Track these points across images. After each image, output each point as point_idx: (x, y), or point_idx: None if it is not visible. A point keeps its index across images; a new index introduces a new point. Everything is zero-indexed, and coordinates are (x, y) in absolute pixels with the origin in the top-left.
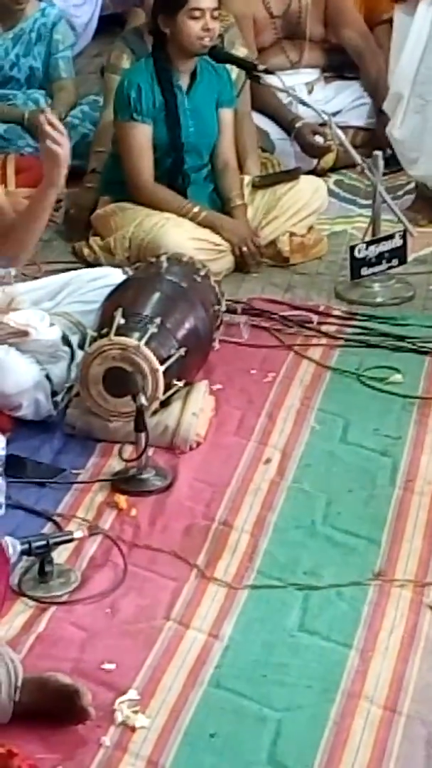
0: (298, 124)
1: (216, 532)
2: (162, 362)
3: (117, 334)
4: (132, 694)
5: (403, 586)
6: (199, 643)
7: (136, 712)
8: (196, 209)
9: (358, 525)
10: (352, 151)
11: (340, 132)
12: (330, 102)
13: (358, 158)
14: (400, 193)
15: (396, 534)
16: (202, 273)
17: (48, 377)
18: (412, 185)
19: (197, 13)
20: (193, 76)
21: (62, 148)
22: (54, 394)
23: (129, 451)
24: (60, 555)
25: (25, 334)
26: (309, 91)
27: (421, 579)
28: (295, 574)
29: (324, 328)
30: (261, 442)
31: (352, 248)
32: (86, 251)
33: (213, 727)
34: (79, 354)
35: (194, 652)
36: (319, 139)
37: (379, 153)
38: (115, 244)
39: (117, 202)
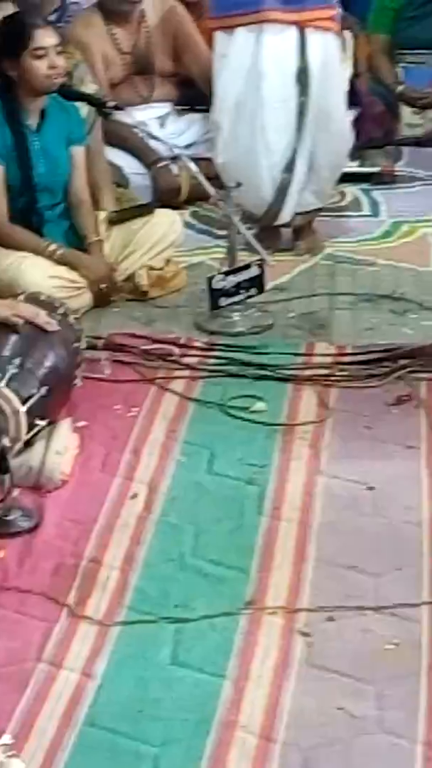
0: (159, 165)
1: (85, 570)
2: (24, 402)
3: None
4: (6, 738)
5: (273, 614)
6: (72, 683)
7: (11, 756)
8: (52, 247)
9: (227, 555)
10: (206, 184)
11: (192, 165)
12: (183, 135)
13: (211, 190)
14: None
15: (265, 562)
16: (61, 311)
17: None
18: None
19: (41, 52)
20: (42, 114)
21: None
22: None
23: None
24: None
25: None
26: (161, 124)
27: (291, 605)
28: (166, 608)
29: (186, 360)
30: (127, 478)
31: (209, 279)
32: None
33: (90, 767)
34: None
35: (68, 692)
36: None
37: (231, 184)
38: None
39: None
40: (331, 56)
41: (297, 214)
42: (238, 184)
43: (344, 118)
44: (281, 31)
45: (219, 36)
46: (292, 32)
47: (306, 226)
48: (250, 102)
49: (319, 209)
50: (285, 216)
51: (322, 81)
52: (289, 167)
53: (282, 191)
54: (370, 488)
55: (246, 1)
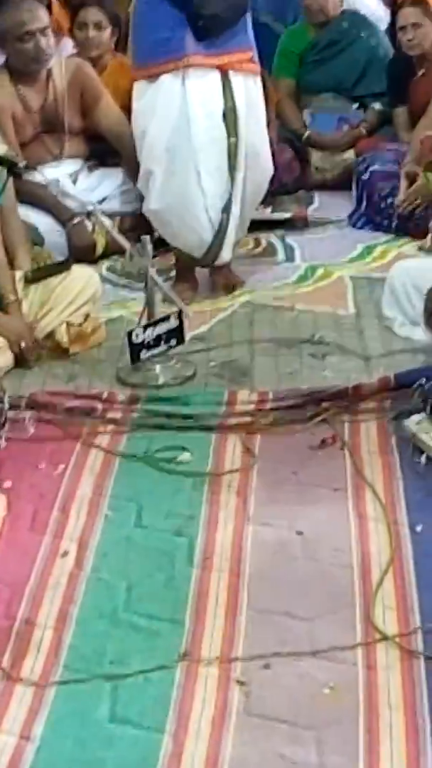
0: (73, 222)
1: (19, 631)
2: None
3: None
4: None
5: (209, 665)
6: (10, 747)
7: None
8: None
9: (160, 608)
10: (120, 238)
11: (106, 220)
12: (95, 190)
13: (126, 245)
14: (172, 273)
15: (198, 613)
16: None
17: None
18: None
19: None
20: None
21: None
22: None
23: None
24: None
25: None
26: (73, 181)
27: (227, 655)
28: (101, 665)
29: (109, 415)
30: (56, 536)
31: (129, 333)
32: None
33: None
34: None
35: (6, 756)
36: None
37: (146, 237)
38: None
39: None
40: (254, 96)
41: None
42: (154, 237)
43: (268, 152)
44: (204, 75)
45: (142, 85)
46: (215, 75)
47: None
48: (181, 147)
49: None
50: (225, 255)
51: (249, 120)
52: (226, 207)
53: (221, 231)
54: (299, 533)
55: (169, 49)
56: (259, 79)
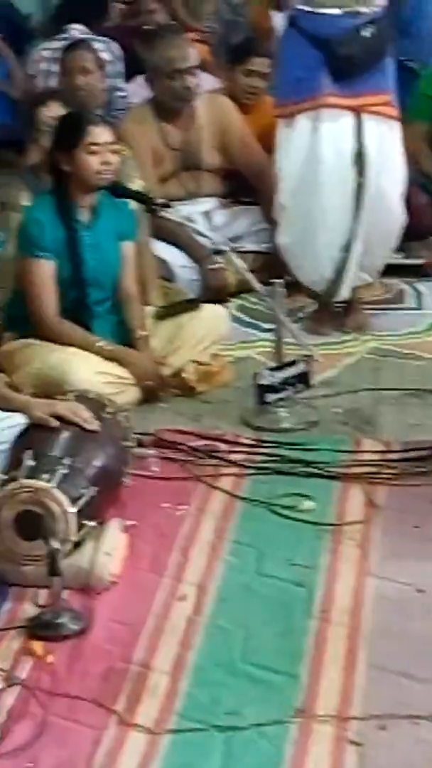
0: (209, 263)
1: (134, 675)
2: (73, 503)
3: (26, 476)
4: None
5: (325, 722)
6: None
7: None
8: (100, 343)
9: (277, 660)
10: (251, 279)
11: (239, 261)
12: (228, 227)
13: (257, 286)
14: (301, 315)
15: (315, 667)
16: (110, 410)
17: None
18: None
19: (95, 148)
20: (94, 209)
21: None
22: None
23: (43, 596)
24: None
25: None
26: (208, 218)
27: (343, 713)
28: (216, 715)
29: (233, 456)
30: (176, 578)
31: (255, 375)
32: None
33: None
34: None
35: None
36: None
37: (278, 281)
38: (20, 380)
39: (22, 338)
40: (388, 140)
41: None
42: (286, 281)
43: (398, 199)
44: (338, 117)
45: (281, 123)
46: (348, 119)
47: (354, 303)
48: (309, 184)
49: (370, 283)
50: (344, 293)
51: (379, 164)
52: (347, 246)
53: (340, 269)
54: (420, 591)
55: (305, 89)
56: (396, 124)
